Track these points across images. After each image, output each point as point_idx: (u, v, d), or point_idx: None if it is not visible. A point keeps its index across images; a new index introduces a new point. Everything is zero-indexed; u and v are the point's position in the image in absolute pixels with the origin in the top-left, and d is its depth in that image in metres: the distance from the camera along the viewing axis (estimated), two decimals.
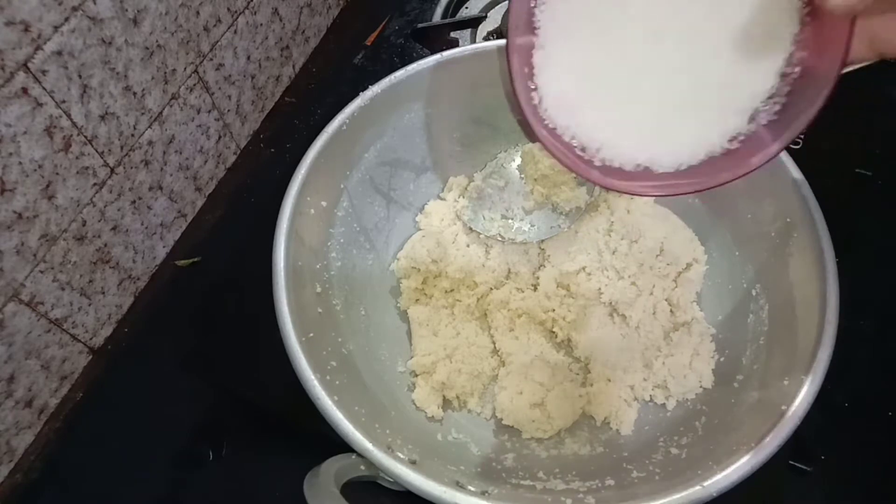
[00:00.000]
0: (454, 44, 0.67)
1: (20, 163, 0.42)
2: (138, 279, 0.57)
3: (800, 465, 0.46)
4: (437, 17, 0.69)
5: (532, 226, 0.53)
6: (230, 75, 0.59)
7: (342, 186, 0.49)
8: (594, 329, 0.48)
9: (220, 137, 0.61)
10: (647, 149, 0.38)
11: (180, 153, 0.56)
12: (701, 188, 0.38)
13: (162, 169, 0.55)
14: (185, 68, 0.53)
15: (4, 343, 0.45)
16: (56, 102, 0.43)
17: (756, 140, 0.36)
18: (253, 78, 0.62)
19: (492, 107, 0.53)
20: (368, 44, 0.69)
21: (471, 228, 0.53)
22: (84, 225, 0.49)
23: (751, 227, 0.47)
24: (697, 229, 0.52)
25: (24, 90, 0.40)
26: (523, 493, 0.40)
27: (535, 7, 0.38)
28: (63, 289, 0.49)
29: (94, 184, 0.48)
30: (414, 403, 0.46)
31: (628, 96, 0.38)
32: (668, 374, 0.46)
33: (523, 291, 0.51)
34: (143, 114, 0.50)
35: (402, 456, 0.36)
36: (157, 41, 0.49)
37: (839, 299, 0.39)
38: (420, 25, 0.68)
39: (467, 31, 0.68)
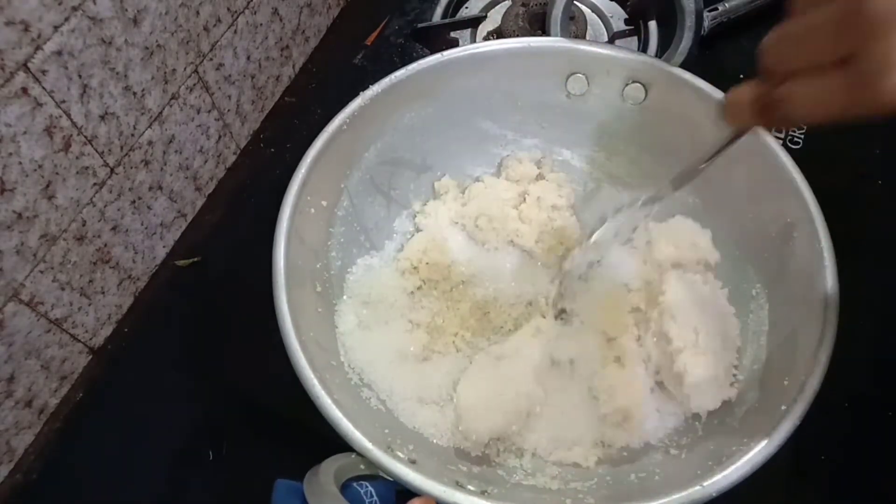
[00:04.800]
0: (454, 44, 0.67)
1: (20, 163, 0.42)
2: (138, 279, 0.57)
3: (800, 465, 0.46)
4: (437, 17, 0.69)
5: None
6: (230, 75, 0.59)
7: (342, 186, 0.49)
8: None
9: (220, 137, 0.61)
10: None
11: (180, 153, 0.56)
12: None
13: (162, 169, 0.55)
14: (185, 68, 0.53)
15: (4, 343, 0.45)
16: (56, 102, 0.43)
17: None
18: (253, 78, 0.62)
19: (493, 106, 0.54)
20: (368, 44, 0.69)
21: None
22: (84, 225, 0.49)
23: (751, 227, 0.47)
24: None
25: (24, 90, 0.40)
26: (523, 492, 0.41)
27: None
28: (63, 289, 0.49)
29: (94, 184, 0.48)
30: None
31: None
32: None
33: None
34: (143, 114, 0.50)
35: (401, 455, 0.36)
36: (157, 41, 0.49)
37: (839, 299, 0.39)
38: (420, 25, 0.68)
39: (467, 31, 0.68)
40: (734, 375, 0.44)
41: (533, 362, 0.45)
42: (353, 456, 0.36)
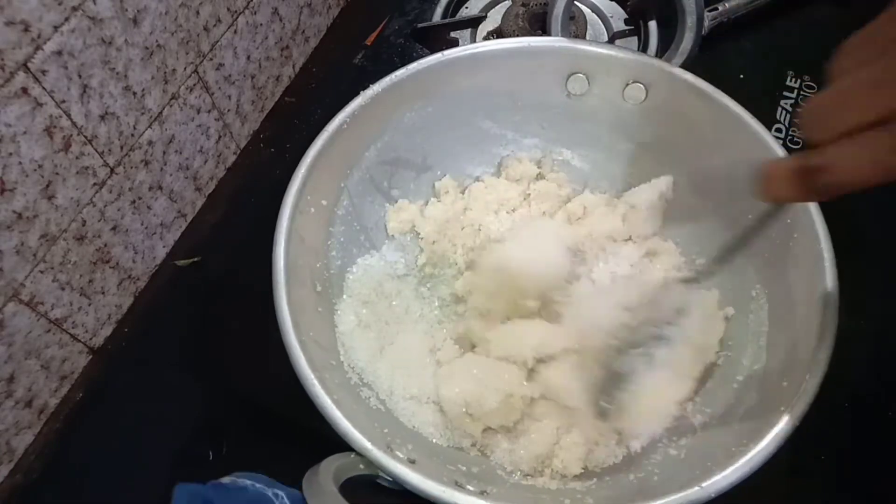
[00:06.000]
0: (454, 44, 0.67)
1: (20, 163, 0.42)
2: (138, 279, 0.57)
3: (800, 466, 0.46)
4: (437, 17, 0.69)
5: None
6: (230, 75, 0.59)
7: (342, 185, 0.49)
8: None
9: (220, 137, 0.61)
10: None
11: (180, 153, 0.56)
12: None
13: (162, 169, 0.55)
14: (185, 68, 0.53)
15: (4, 343, 0.45)
16: (56, 102, 0.43)
17: None
18: (253, 78, 0.62)
19: (493, 106, 0.54)
20: (368, 44, 0.69)
21: None
22: (84, 225, 0.49)
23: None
24: (697, 230, 0.52)
25: (24, 90, 0.40)
26: (522, 492, 0.41)
27: None
28: (63, 289, 0.49)
29: (94, 184, 0.48)
30: None
31: None
32: None
33: None
34: (143, 114, 0.50)
35: (401, 455, 0.36)
36: (157, 41, 0.49)
37: (839, 299, 0.39)
38: (420, 25, 0.68)
39: (467, 31, 0.68)
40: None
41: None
42: (352, 456, 0.36)
